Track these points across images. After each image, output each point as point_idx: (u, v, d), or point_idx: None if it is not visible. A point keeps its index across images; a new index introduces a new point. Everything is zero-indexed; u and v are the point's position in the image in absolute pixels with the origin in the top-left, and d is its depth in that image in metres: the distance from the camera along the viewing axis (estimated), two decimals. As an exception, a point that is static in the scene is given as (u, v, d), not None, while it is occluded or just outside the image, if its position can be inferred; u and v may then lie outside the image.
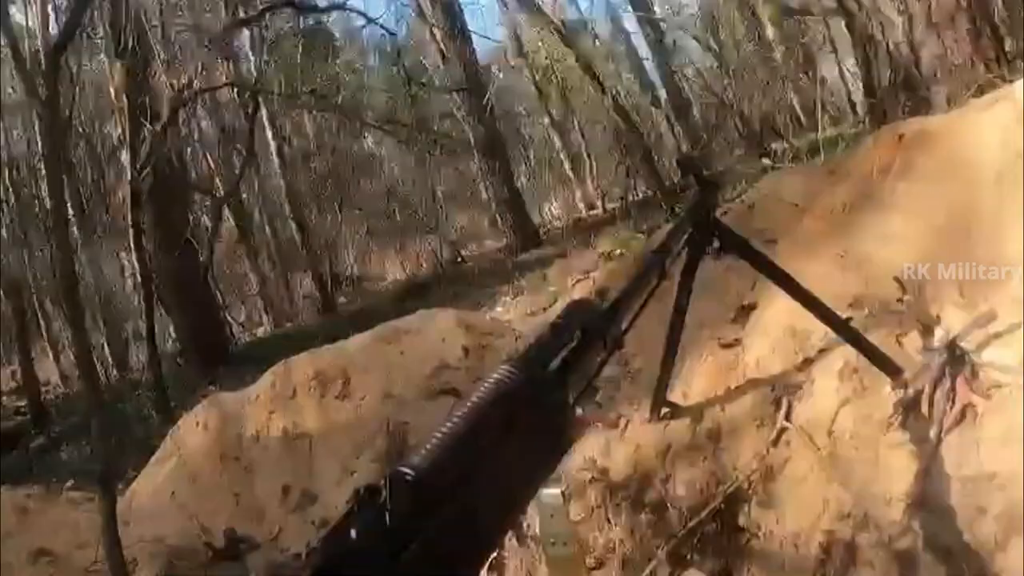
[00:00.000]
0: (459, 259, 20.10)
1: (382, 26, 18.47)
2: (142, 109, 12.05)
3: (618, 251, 12.20)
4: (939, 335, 3.20)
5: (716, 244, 2.95)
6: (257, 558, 3.99)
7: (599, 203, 21.63)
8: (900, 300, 3.41)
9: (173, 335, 15.03)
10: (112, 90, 13.32)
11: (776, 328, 3.62)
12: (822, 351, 3.41)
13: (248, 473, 4.39)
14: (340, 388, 4.59)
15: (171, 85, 13.17)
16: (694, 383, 3.70)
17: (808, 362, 3.45)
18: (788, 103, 22.66)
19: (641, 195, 20.21)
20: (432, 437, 1.19)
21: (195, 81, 13.46)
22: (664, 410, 3.60)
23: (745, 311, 3.88)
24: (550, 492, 2.68)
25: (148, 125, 11.79)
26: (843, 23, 7.59)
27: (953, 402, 2.98)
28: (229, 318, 18.49)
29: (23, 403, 15.12)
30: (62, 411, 14.62)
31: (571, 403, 1.50)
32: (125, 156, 12.21)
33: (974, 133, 3.73)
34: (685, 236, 2.72)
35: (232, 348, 16.00)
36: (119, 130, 14.53)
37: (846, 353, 3.23)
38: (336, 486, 4.18)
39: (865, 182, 4.00)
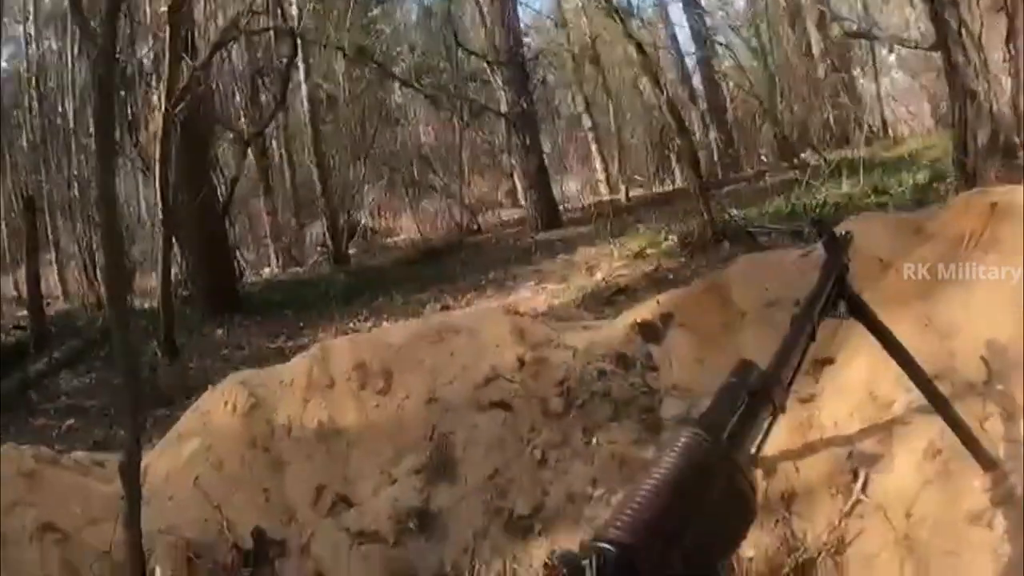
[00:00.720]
0: (476, 227, 19.87)
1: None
2: (184, 43, 11.78)
3: (648, 249, 12.04)
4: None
5: (843, 308, 2.72)
6: (287, 566, 3.73)
7: (622, 189, 21.40)
8: (986, 383, 3.23)
9: (183, 269, 14.75)
10: (155, 17, 13.14)
11: (855, 390, 3.48)
12: (904, 423, 3.26)
13: (279, 467, 4.12)
14: (382, 384, 4.32)
15: (215, 22, 12.96)
16: (770, 437, 3.47)
17: (889, 433, 3.30)
18: (824, 116, 22.55)
19: (667, 188, 20.17)
20: (627, 507, 1.19)
21: (243, 20, 13.22)
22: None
23: (821, 365, 3.69)
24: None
25: (188, 60, 11.51)
26: (944, 74, 7.35)
27: None
28: (240, 256, 18.21)
29: (22, 314, 14.99)
30: (61, 329, 14.40)
31: (751, 470, 1.49)
32: (161, 87, 11.98)
33: None
34: (826, 298, 2.53)
35: (239, 288, 15.75)
36: (152, 57, 14.36)
37: (930, 431, 3.09)
38: (374, 493, 3.93)
39: (953, 247, 3.79)
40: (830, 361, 3.66)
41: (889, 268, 3.88)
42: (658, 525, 1.14)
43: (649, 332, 4.26)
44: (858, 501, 3.24)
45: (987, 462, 2.93)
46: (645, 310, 4.46)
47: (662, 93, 11.67)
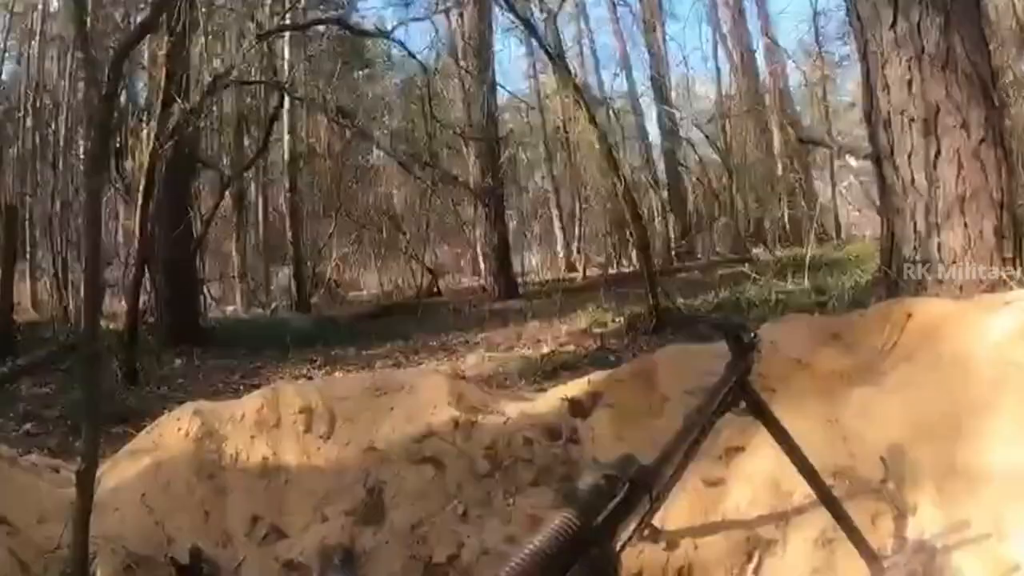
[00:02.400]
0: (436, 290, 20.03)
1: (420, 61, 18.34)
2: (178, 85, 11.99)
3: (595, 328, 12.23)
4: (914, 530, 3.19)
5: (742, 405, 2.91)
6: (219, 583, 3.87)
7: (580, 268, 21.63)
8: (882, 481, 3.38)
9: (151, 298, 14.78)
10: (152, 58, 13.34)
11: (761, 478, 3.60)
12: (800, 513, 3.37)
13: (221, 494, 4.23)
14: (325, 429, 4.47)
15: (208, 67, 13.16)
16: (673, 513, 3.64)
17: (786, 520, 3.41)
18: (779, 214, 22.91)
19: (621, 270, 20.36)
20: (501, 571, 1.29)
21: (235, 71, 13.43)
22: (645, 532, 3.55)
23: (733, 452, 3.82)
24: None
25: (180, 102, 11.72)
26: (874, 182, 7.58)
27: None
28: (206, 292, 18.26)
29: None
30: (27, 338, 14.37)
31: (617, 552, 1.60)
32: (152, 124, 12.17)
33: (978, 331, 3.75)
34: (722, 396, 2.71)
35: (202, 323, 15.79)
36: (145, 93, 14.54)
37: (823, 522, 3.20)
38: (304, 529, 4.05)
39: (868, 353, 4.02)
40: (741, 449, 3.78)
41: (805, 367, 4.06)
42: None
43: (577, 408, 4.41)
44: None
45: (869, 556, 3.05)
46: (576, 387, 4.60)
47: (620, 182, 11.87)
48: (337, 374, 9.89)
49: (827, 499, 3.09)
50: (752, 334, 3.01)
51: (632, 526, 1.83)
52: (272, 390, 4.79)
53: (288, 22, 16.02)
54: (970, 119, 6.08)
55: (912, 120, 6.23)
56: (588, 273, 21.47)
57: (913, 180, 6.22)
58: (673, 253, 23.22)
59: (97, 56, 12.27)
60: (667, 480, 2.07)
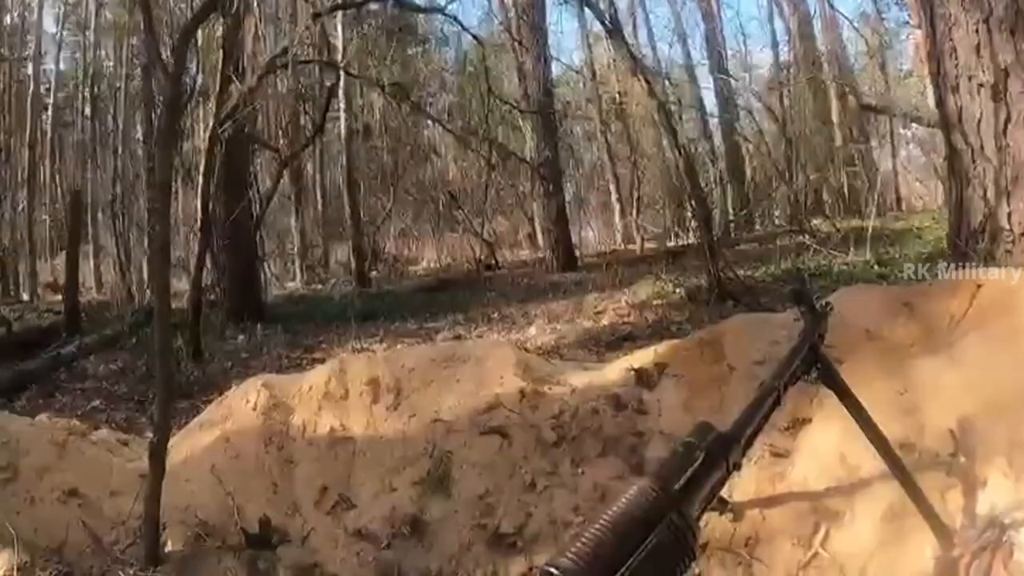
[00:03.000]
0: (495, 263, 20.01)
1: (475, 36, 18.25)
2: (235, 66, 12.05)
3: (655, 300, 12.15)
4: (984, 504, 3.12)
5: (814, 375, 2.85)
6: (288, 552, 3.89)
7: (638, 240, 21.50)
8: (951, 455, 3.32)
9: (213, 276, 14.91)
10: (208, 40, 13.42)
11: (827, 450, 3.55)
12: (868, 486, 3.33)
13: (289, 465, 4.28)
14: (392, 400, 4.49)
15: (265, 48, 13.22)
16: (741, 484, 3.61)
17: (853, 493, 3.38)
18: (839, 185, 22.62)
19: (679, 243, 20.20)
20: (578, 539, 1.26)
21: (291, 50, 13.46)
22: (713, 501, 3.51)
23: (799, 424, 3.77)
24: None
25: (237, 83, 11.77)
26: (943, 159, 7.41)
27: None
28: (267, 269, 18.38)
29: (57, 299, 15.11)
30: (93, 318, 14.60)
31: (696, 518, 1.52)
32: (210, 105, 12.26)
33: None
34: (797, 365, 2.59)
35: (264, 299, 15.91)
36: (202, 75, 14.63)
37: (891, 496, 3.15)
38: (374, 498, 4.08)
39: (937, 324, 3.91)
40: (808, 421, 3.73)
41: (874, 338, 3.97)
42: (600, 559, 1.24)
43: (643, 378, 4.37)
44: (816, 554, 3.30)
45: (941, 531, 2.99)
46: (642, 357, 4.55)
47: (680, 153, 11.76)
48: (399, 346, 9.88)
49: (899, 472, 3.01)
50: (825, 302, 2.95)
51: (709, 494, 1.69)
52: (339, 362, 4.82)
53: (342, 1, 15.96)
54: None
55: (981, 85, 6.00)
56: (646, 245, 21.30)
57: (982, 147, 6.02)
58: (731, 225, 23.02)
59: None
60: (743, 449, 1.95)
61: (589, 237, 24.85)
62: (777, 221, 23.27)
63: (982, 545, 2.94)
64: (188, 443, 4.56)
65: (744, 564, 3.40)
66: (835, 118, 25.19)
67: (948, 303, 4.00)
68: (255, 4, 13.64)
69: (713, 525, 3.46)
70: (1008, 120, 5.89)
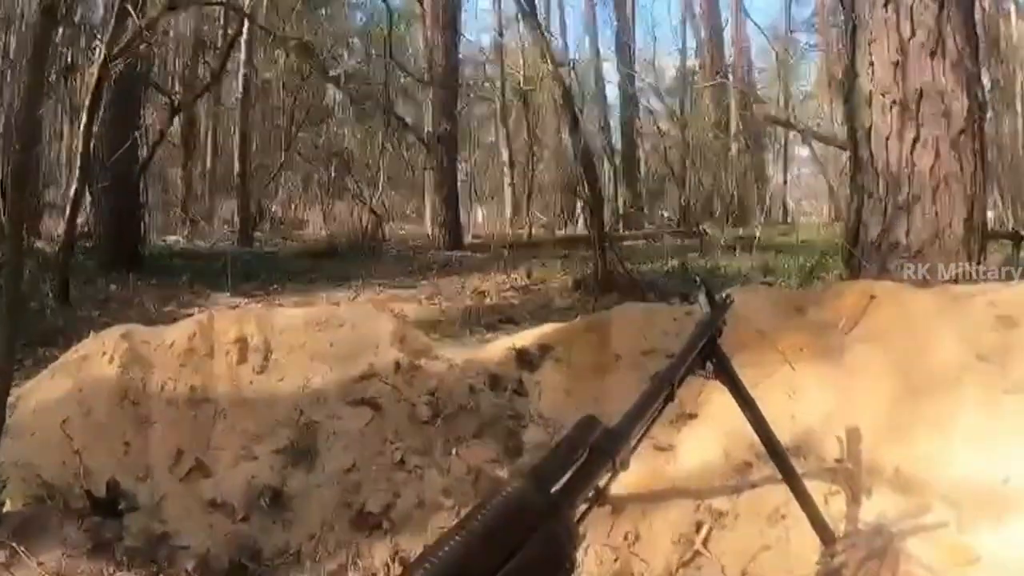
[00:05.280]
0: (382, 235, 19.76)
1: (386, 3, 18.01)
2: (135, 3, 11.56)
3: (540, 284, 12.07)
4: (870, 512, 3.13)
5: (709, 368, 2.72)
6: (136, 520, 3.60)
7: (527, 226, 21.47)
8: (837, 460, 3.30)
9: (91, 220, 14.39)
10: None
11: (712, 447, 3.50)
12: (754, 487, 3.29)
13: (145, 424, 3.99)
14: (260, 361, 4.25)
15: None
16: (621, 477, 3.47)
17: (738, 493, 3.33)
18: (730, 192, 22.99)
19: (569, 232, 20.27)
20: (437, 550, 1.10)
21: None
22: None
23: (684, 418, 3.71)
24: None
25: (135, 18, 11.28)
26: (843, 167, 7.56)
27: None
28: (148, 219, 17.81)
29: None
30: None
31: (575, 523, 1.37)
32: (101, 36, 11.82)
33: (945, 320, 3.70)
34: (691, 359, 2.46)
35: (143, 250, 15.39)
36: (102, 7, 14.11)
37: (776, 498, 3.12)
38: (233, 466, 3.83)
39: (829, 330, 3.90)
40: (693, 416, 3.69)
41: (766, 339, 3.90)
42: (465, 567, 1.10)
43: (525, 359, 4.26)
44: (697, 553, 3.25)
45: (826, 536, 2.95)
46: (526, 338, 4.46)
47: (579, 141, 11.68)
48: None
49: (787, 473, 2.93)
50: (725, 294, 2.84)
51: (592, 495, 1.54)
52: (208, 316, 4.56)
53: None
54: (952, 108, 6.03)
55: (895, 102, 6.17)
56: (535, 232, 21.30)
57: (888, 163, 6.18)
58: (621, 220, 23.21)
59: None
60: (632, 445, 1.77)
61: (478, 218, 24.81)
62: (668, 221, 23.46)
63: (868, 554, 2.94)
64: (40, 393, 4.26)
65: (622, 560, 3.32)
66: (733, 129, 25.61)
67: (840, 310, 4.00)
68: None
69: (591, 519, 3.32)
70: (916, 140, 6.11)
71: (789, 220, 24.41)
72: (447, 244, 18.47)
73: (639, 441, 1.86)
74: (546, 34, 15.99)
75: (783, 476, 2.93)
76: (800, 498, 2.92)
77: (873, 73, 6.32)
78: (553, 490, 1.33)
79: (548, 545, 1.21)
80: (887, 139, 6.16)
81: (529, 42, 16.45)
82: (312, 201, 24.40)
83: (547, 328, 4.62)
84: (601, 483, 1.56)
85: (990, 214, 20.35)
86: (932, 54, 6.03)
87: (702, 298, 2.75)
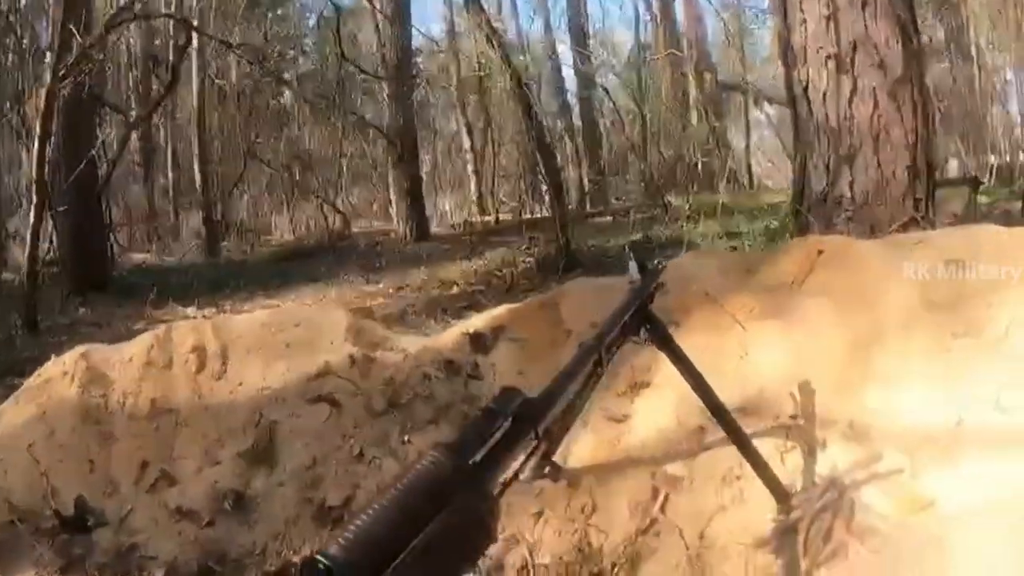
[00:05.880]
0: (348, 233, 19.79)
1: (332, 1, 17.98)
2: (77, 20, 11.53)
3: (505, 269, 12.14)
4: (824, 465, 3.14)
5: (644, 335, 2.77)
6: (105, 535, 3.67)
7: (493, 212, 21.52)
8: (791, 417, 3.32)
9: (55, 246, 14.36)
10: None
11: (665, 414, 3.52)
12: (708, 449, 3.31)
13: (108, 441, 4.04)
14: (218, 368, 4.29)
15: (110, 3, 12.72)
16: (576, 450, 3.55)
17: (692, 457, 3.34)
18: (693, 161, 23.06)
19: (536, 215, 20.29)
20: (352, 523, 1.14)
21: (137, 4, 12.99)
22: (547, 469, 3.43)
23: (637, 387, 3.73)
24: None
25: (79, 38, 11.27)
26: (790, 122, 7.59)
27: (829, 538, 2.89)
28: (114, 239, 17.77)
29: None
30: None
31: (496, 494, 1.40)
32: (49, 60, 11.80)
33: (892, 269, 3.71)
34: (621, 325, 2.51)
35: (110, 272, 15.36)
36: (49, 32, 14.06)
37: (730, 459, 3.12)
38: (196, 473, 3.88)
39: (778, 288, 3.94)
40: (646, 385, 3.71)
41: (715, 301, 3.94)
42: (377, 543, 1.11)
43: (478, 342, 4.29)
44: (655, 520, 3.25)
45: (779, 493, 2.99)
46: (478, 321, 4.48)
47: (532, 123, 11.75)
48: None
49: (735, 435, 2.99)
50: (657, 261, 2.89)
51: (519, 466, 1.61)
52: (164, 329, 4.58)
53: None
54: (888, 58, 6.09)
55: (829, 57, 6.21)
56: (501, 217, 21.35)
57: (827, 117, 6.22)
58: (587, 198, 23.27)
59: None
60: (559, 414, 1.85)
61: (446, 207, 24.79)
62: (633, 195, 23.52)
63: (822, 507, 2.95)
64: (5, 419, 4.29)
65: (580, 532, 3.34)
66: (692, 97, 25.67)
67: (789, 268, 4.04)
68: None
69: (547, 494, 3.41)
70: (854, 92, 6.12)
71: (755, 184, 24.47)
72: (414, 237, 18.49)
73: (577, 409, 1.92)
74: (494, 19, 16.02)
75: (730, 437, 2.98)
76: (750, 458, 2.97)
77: (806, 29, 6.34)
78: (473, 460, 1.36)
79: (463, 514, 1.25)
80: (824, 94, 6.20)
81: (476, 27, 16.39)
82: (278, 206, 24.37)
83: (501, 310, 4.63)
84: (526, 453, 1.61)
85: (954, 162, 20.57)
86: (864, 5, 6.08)
87: (632, 266, 2.80)
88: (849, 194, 6.06)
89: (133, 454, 4.00)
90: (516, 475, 1.61)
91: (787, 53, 6.66)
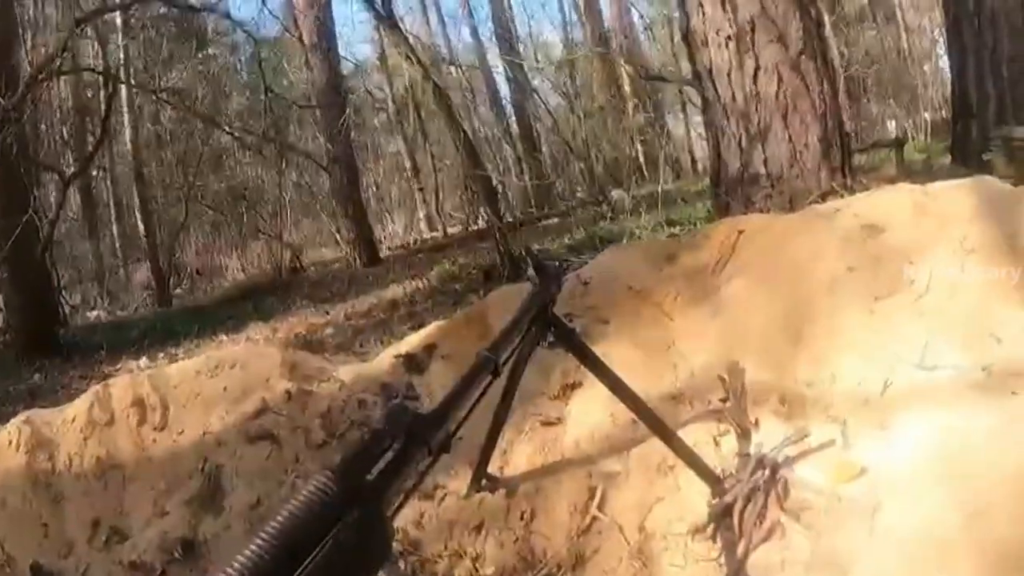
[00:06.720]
0: (299, 266, 19.77)
1: (247, 32, 17.96)
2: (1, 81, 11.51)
3: (452, 283, 12.21)
4: (755, 445, 3.21)
5: (550, 338, 2.87)
6: (61, 597, 3.76)
7: (440, 227, 21.58)
8: (723, 400, 3.41)
9: (2, 314, 14.26)
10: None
11: (597, 412, 3.59)
12: (641, 442, 3.37)
13: (58, 503, 4.10)
14: (159, 419, 4.35)
15: (31, 62, 12.67)
16: (512, 458, 3.64)
17: (626, 452, 3.41)
18: (633, 155, 23.16)
19: (482, 226, 20.36)
20: (242, 553, 1.12)
21: (57, 60, 12.92)
22: (483, 482, 3.52)
23: (569, 389, 3.82)
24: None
25: (2, 99, 11.24)
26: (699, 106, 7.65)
27: (763, 518, 2.96)
28: (63, 299, 17.67)
29: None
30: None
31: (389, 513, 1.42)
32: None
33: (812, 240, 3.78)
34: (522, 334, 2.59)
35: (63, 332, 15.25)
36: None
37: (664, 450, 3.17)
38: (146, 525, 3.95)
39: (701, 274, 4.02)
40: (578, 385, 3.78)
41: (639, 293, 4.05)
42: (260, 571, 1.11)
43: (412, 363, 4.37)
44: (595, 518, 3.32)
45: (710, 479, 3.08)
46: (409, 342, 4.55)
47: (460, 135, 11.83)
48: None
49: (656, 427, 3.08)
50: (558, 262, 2.95)
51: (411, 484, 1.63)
52: (103, 386, 4.61)
53: (106, 3, 15.30)
54: (787, 32, 6.19)
55: (729, 37, 6.31)
56: (450, 231, 21.40)
57: (734, 97, 6.31)
58: (531, 202, 23.33)
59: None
60: (452, 428, 1.83)
61: (393, 229, 24.77)
62: (577, 194, 23.59)
63: (753, 487, 3.01)
64: (-41, 495, 4.35)
65: (522, 540, 3.39)
66: (627, 90, 25.75)
67: (710, 251, 4.10)
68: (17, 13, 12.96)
69: (485, 505, 3.48)
70: (757, 69, 6.17)
71: (698, 169, 24.60)
72: (363, 262, 18.53)
73: (461, 424, 1.96)
74: (423, 35, 16.07)
75: (653, 431, 3.08)
76: (676, 448, 3.07)
77: (703, 12, 6.46)
78: (359, 481, 1.35)
79: (353, 535, 1.25)
80: (728, 74, 6.31)
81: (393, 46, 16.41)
82: (226, 247, 24.26)
83: (431, 328, 4.69)
84: (419, 472, 1.64)
85: (891, 125, 20.79)
86: None
87: (530, 271, 2.87)
88: (764, 171, 6.15)
89: (84, 513, 4.06)
90: (411, 492, 1.65)
91: (688, 37, 6.75)
